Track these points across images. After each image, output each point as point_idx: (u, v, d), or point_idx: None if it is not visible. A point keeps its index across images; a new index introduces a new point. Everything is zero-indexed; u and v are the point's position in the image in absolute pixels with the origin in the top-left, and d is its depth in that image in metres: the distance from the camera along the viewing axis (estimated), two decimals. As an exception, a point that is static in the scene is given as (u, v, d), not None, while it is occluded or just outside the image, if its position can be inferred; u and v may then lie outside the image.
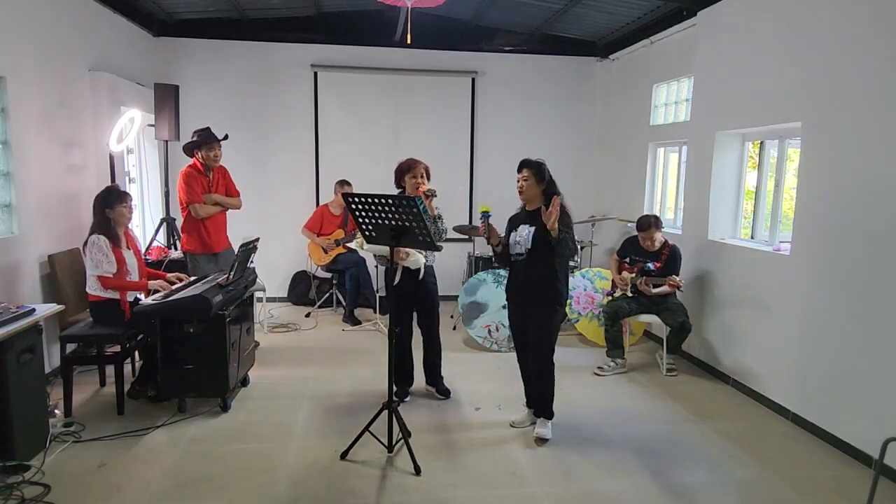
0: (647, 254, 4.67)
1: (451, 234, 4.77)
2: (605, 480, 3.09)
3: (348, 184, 6.02)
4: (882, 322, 3.21)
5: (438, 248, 3.68)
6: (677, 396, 4.25)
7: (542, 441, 3.44)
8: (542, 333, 3.47)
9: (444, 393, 4.13)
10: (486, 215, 3.44)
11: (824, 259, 3.62)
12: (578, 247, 5.87)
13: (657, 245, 4.63)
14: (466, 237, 6.25)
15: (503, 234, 3.61)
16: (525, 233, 3.45)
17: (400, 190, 3.92)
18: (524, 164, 3.47)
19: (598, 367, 4.77)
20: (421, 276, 3.89)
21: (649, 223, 4.60)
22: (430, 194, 3.76)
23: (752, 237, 4.64)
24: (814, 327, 3.69)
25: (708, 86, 4.82)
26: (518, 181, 3.48)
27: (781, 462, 3.34)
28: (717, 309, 4.66)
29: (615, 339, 4.72)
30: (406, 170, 3.86)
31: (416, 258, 3.82)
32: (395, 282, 3.73)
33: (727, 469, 3.24)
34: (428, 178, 3.90)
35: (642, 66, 6.09)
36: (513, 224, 3.59)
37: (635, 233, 4.79)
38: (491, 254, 5.92)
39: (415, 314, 4.06)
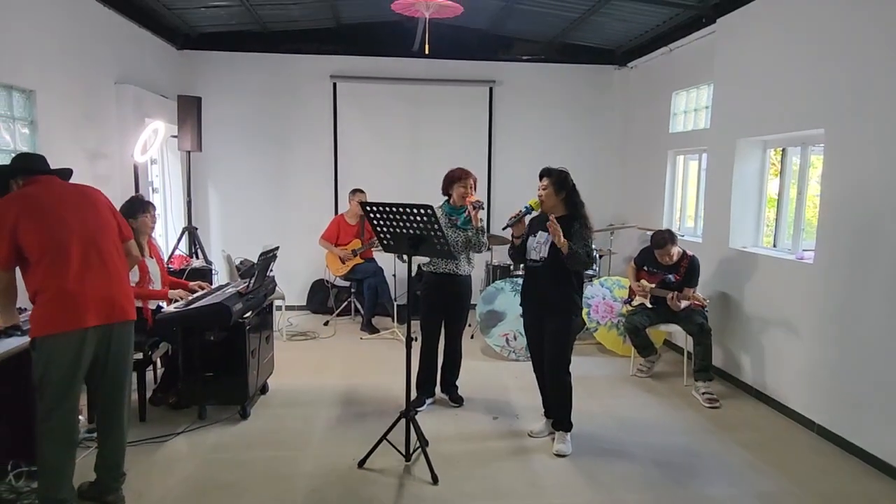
0: (665, 267, 4.61)
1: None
2: (625, 492, 3.05)
3: (361, 192, 6.06)
4: (910, 332, 3.14)
5: (455, 258, 3.71)
6: (698, 407, 4.19)
7: (561, 457, 3.40)
8: (557, 343, 3.45)
9: (458, 401, 4.14)
10: (528, 209, 3.44)
11: (849, 267, 3.55)
12: (597, 255, 5.83)
13: (675, 258, 4.56)
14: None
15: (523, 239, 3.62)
16: (543, 240, 3.43)
17: (446, 198, 3.98)
18: (545, 173, 3.46)
19: (638, 370, 4.81)
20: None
21: (664, 240, 4.50)
22: (478, 206, 3.81)
23: (774, 245, 4.57)
24: (838, 337, 3.62)
25: (728, 93, 4.78)
26: (539, 189, 3.47)
27: (806, 475, 3.27)
28: (739, 318, 4.59)
29: (643, 343, 4.69)
30: (455, 179, 3.94)
31: None
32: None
33: (750, 481, 3.18)
34: (475, 188, 3.97)
35: (661, 73, 6.06)
36: (532, 228, 3.57)
37: (653, 242, 4.74)
38: (508, 262, 5.97)
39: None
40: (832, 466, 3.38)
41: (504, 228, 3.56)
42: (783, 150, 4.49)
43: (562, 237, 3.23)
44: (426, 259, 3.94)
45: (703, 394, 4.28)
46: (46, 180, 2.70)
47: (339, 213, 6.52)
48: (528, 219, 3.55)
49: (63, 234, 2.59)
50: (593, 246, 3.46)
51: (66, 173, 2.86)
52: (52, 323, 2.54)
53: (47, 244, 2.55)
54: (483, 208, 3.86)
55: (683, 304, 4.45)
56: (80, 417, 3.54)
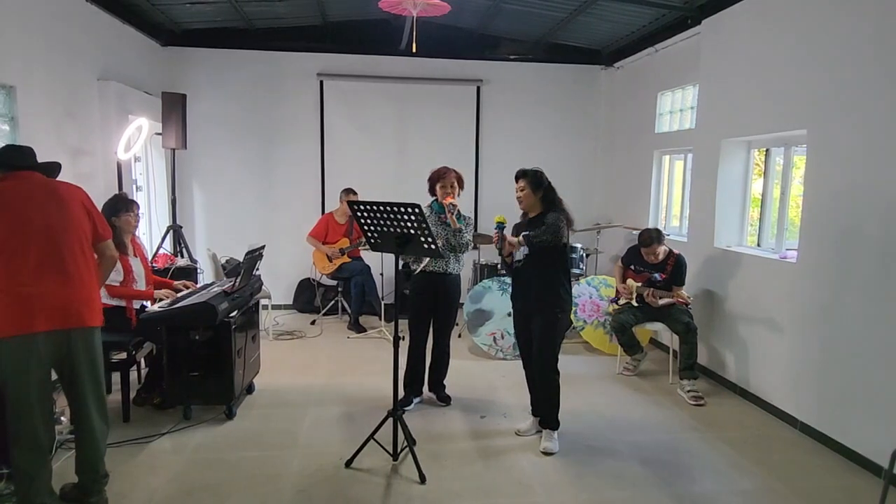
0: (651, 265, 4.65)
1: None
2: (611, 490, 3.07)
3: (353, 192, 6.04)
4: (890, 330, 3.19)
5: (442, 256, 3.72)
6: (684, 405, 4.23)
7: (548, 454, 3.42)
8: (544, 340, 3.47)
9: (445, 400, 4.15)
10: (500, 226, 3.48)
11: (831, 266, 3.60)
12: (583, 253, 5.86)
13: (661, 257, 4.60)
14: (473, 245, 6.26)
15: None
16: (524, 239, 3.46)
17: (433, 198, 4.00)
18: (520, 175, 3.55)
19: (625, 369, 4.84)
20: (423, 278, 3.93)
21: (651, 239, 4.54)
22: (451, 210, 3.81)
23: (758, 245, 4.63)
24: (821, 335, 3.67)
25: (713, 93, 4.82)
26: (516, 191, 3.54)
27: (789, 472, 3.31)
28: (723, 317, 4.63)
29: (629, 342, 4.72)
30: (437, 178, 3.96)
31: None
32: (417, 270, 3.89)
33: (734, 479, 3.21)
34: (461, 185, 3.99)
35: (647, 74, 6.10)
36: (517, 232, 3.61)
37: (640, 241, 4.78)
38: (496, 261, 5.98)
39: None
40: (815, 463, 3.43)
41: (501, 256, 3.64)
42: (767, 151, 4.54)
43: (509, 241, 3.36)
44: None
45: (689, 392, 4.32)
46: (24, 176, 2.62)
47: (326, 211, 6.50)
48: (507, 233, 3.56)
49: (23, 233, 2.52)
50: (574, 243, 3.49)
51: (53, 167, 2.79)
52: (1, 326, 2.46)
53: (5, 243, 2.49)
54: (454, 212, 3.87)
55: (662, 301, 4.49)
56: (63, 419, 3.52)
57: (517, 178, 3.55)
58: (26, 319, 2.48)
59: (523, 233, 3.38)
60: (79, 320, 2.61)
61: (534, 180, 3.48)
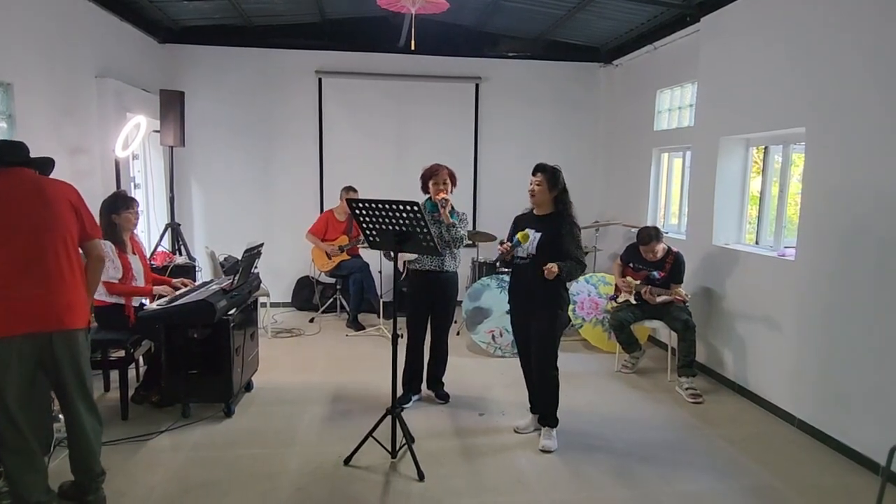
0: (650, 263, 4.65)
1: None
2: (610, 488, 3.07)
3: (354, 190, 6.04)
4: (888, 327, 3.20)
5: (441, 254, 3.72)
6: (682, 402, 4.23)
7: (547, 452, 3.42)
8: (544, 338, 3.47)
9: (444, 397, 4.15)
10: (517, 242, 3.44)
11: (829, 264, 3.61)
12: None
13: (659, 255, 4.60)
14: (471, 243, 6.25)
15: (508, 235, 3.64)
16: (531, 237, 3.45)
17: (427, 196, 4.00)
18: (539, 169, 3.49)
19: (623, 366, 4.85)
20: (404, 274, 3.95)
21: (650, 237, 4.54)
22: (442, 204, 3.81)
23: (756, 242, 4.63)
24: (819, 333, 3.68)
25: (711, 91, 4.82)
26: (531, 184, 3.49)
27: (788, 469, 3.32)
28: (721, 314, 4.64)
29: (628, 340, 4.72)
30: (429, 176, 3.96)
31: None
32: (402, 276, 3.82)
33: (733, 476, 3.22)
34: (453, 182, 3.99)
35: (646, 71, 6.10)
36: (518, 225, 3.60)
37: (639, 239, 4.78)
38: (494, 259, 5.98)
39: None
40: (813, 461, 3.44)
41: (496, 262, 3.64)
42: (765, 149, 4.54)
43: (554, 271, 3.27)
44: (412, 257, 3.94)
45: (687, 389, 4.32)
46: (13, 173, 2.56)
47: (325, 209, 6.49)
48: (508, 223, 3.58)
49: (6, 233, 2.47)
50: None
51: (47, 163, 2.74)
52: None
53: None
54: (445, 206, 3.86)
55: (660, 298, 4.49)
56: (61, 416, 3.50)
57: (535, 172, 3.49)
58: (6, 321, 2.44)
59: (560, 263, 3.31)
60: (59, 323, 2.55)
61: (551, 178, 3.44)
